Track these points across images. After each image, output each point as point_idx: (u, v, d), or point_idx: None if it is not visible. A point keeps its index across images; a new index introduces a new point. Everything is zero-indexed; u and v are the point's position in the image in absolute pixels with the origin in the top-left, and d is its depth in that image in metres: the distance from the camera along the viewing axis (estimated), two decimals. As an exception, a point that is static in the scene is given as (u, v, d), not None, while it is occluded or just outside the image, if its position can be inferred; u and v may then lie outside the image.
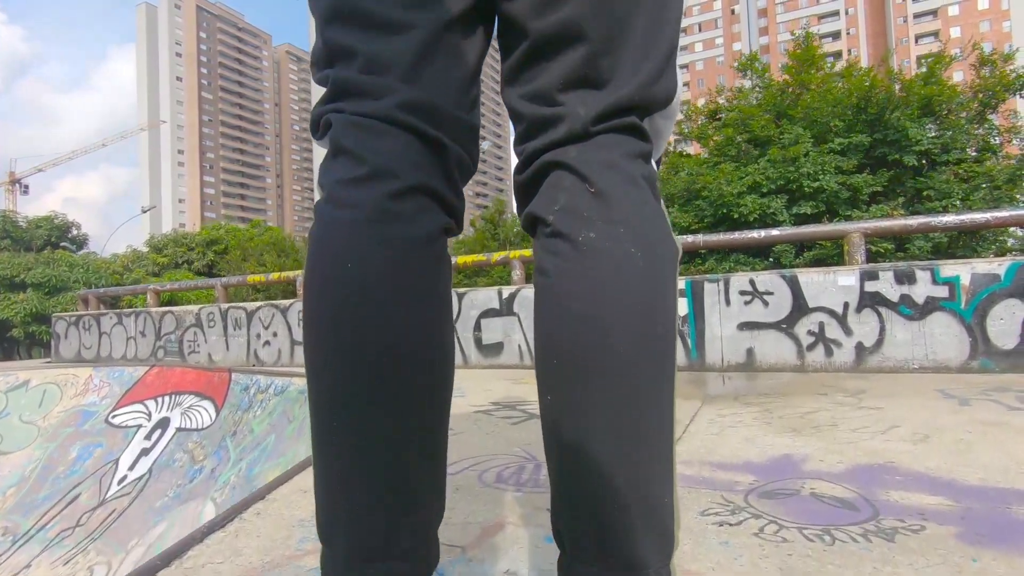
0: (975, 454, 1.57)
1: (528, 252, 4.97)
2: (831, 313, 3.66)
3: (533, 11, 0.58)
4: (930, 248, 4.00)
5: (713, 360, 3.95)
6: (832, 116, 4.35)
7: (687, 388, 3.21)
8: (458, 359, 4.83)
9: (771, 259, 4.43)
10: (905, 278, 3.51)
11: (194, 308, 6.39)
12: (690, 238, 4.35)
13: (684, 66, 74.23)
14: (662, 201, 0.59)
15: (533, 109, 0.60)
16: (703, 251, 4.47)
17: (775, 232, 4.10)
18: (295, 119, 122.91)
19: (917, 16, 63.25)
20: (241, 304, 6.07)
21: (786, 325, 3.77)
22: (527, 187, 0.62)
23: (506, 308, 4.67)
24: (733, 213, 4.28)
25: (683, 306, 4.05)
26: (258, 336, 5.92)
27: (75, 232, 20.46)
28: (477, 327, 4.77)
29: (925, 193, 4.07)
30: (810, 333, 3.71)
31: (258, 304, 5.95)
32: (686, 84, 74.14)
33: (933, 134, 4.10)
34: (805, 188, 4.12)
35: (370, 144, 0.58)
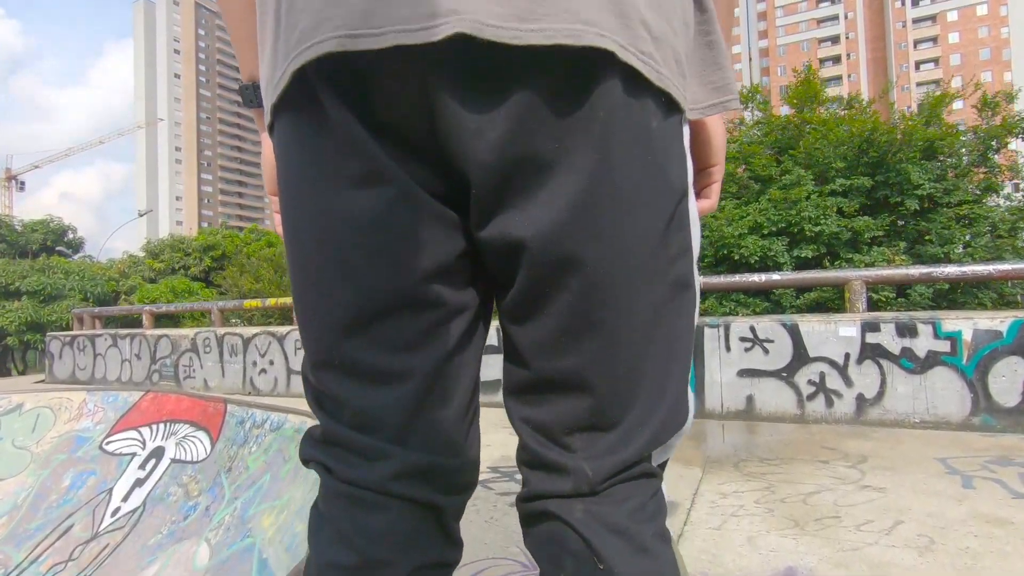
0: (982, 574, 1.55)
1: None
2: (832, 363, 3.64)
3: (535, 352, 0.53)
4: (931, 295, 3.99)
5: (713, 406, 3.93)
6: (834, 157, 4.33)
7: (687, 444, 3.18)
8: (456, 395, 4.79)
9: (771, 299, 4.41)
10: (907, 331, 3.49)
11: (190, 332, 6.35)
12: (690, 279, 4.33)
13: (683, 69, 74.32)
14: (672, 541, 0.55)
15: (535, 443, 0.55)
16: (704, 292, 4.44)
17: (776, 277, 4.08)
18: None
19: (916, 21, 63.41)
20: (237, 331, 6.03)
21: (786, 374, 3.75)
22: (528, 520, 0.57)
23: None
24: (734, 254, 4.25)
25: (683, 350, 4.03)
26: (254, 364, 5.88)
27: (71, 236, 20.38)
28: (475, 363, 4.74)
29: (927, 238, 4.05)
30: (810, 383, 3.69)
31: (255, 331, 5.91)
32: (685, 87, 74.03)
33: (935, 178, 4.09)
34: (807, 232, 4.11)
35: (360, 523, 0.53)
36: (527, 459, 0.56)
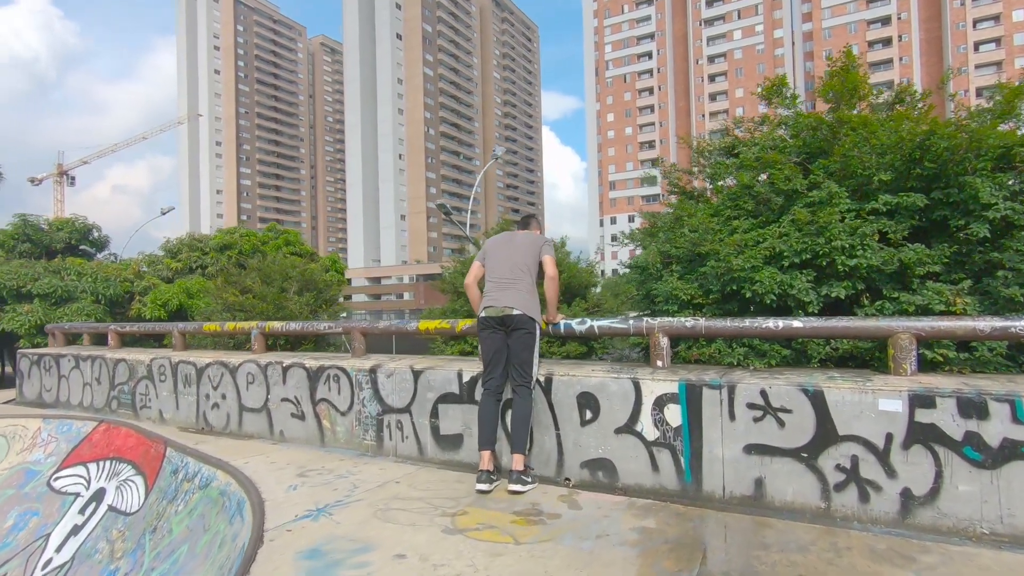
0: None
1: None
2: (868, 445, 2.77)
3: (511, 357, 3.64)
4: (1006, 350, 3.04)
5: (712, 488, 3.10)
6: (877, 167, 3.40)
7: (676, 562, 2.38)
8: (413, 450, 4.09)
9: (794, 346, 3.52)
10: (973, 409, 2.59)
11: (146, 358, 5.81)
12: (689, 322, 3.47)
13: (722, 55, 71.45)
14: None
15: (515, 375, 3.67)
16: (707, 335, 3.58)
17: (797, 324, 3.20)
18: (328, 111, 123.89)
19: (976, -2, 59.02)
20: (192, 358, 5.46)
21: (807, 454, 2.89)
22: (513, 393, 3.62)
23: (467, 394, 3.90)
24: (745, 290, 3.38)
25: (676, 415, 3.21)
26: (207, 396, 5.30)
27: (95, 235, 20.56)
28: (434, 413, 4.02)
29: (1000, 274, 3.10)
30: (839, 468, 2.83)
31: (207, 360, 5.32)
32: (723, 74, 71.24)
33: (1011, 194, 3.13)
34: (839, 266, 3.20)
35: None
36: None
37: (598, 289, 10.71)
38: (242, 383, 5.04)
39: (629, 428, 3.34)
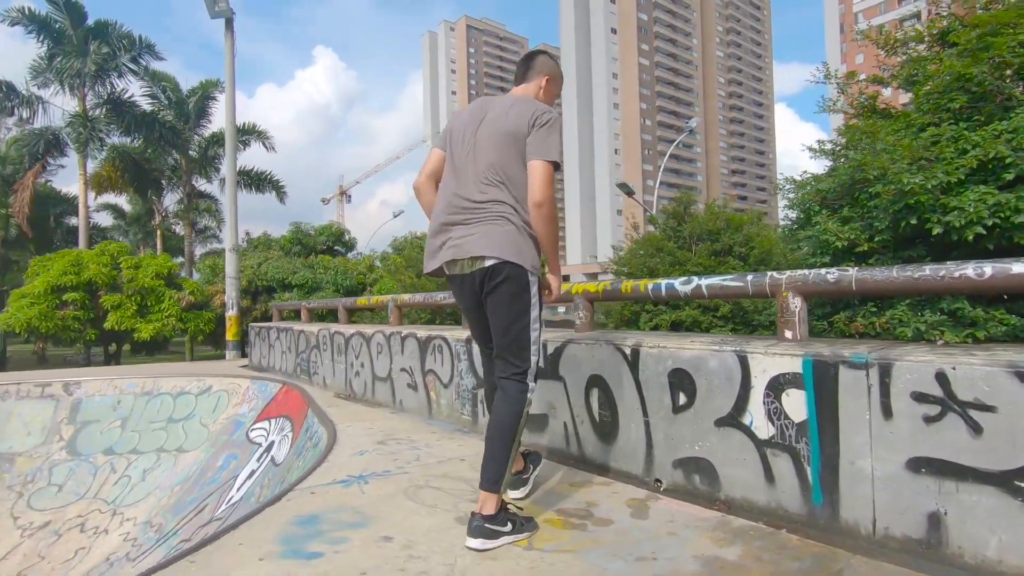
0: None
1: (598, 286, 3.49)
2: None
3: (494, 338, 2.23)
4: None
5: (854, 518, 2.05)
6: None
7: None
8: (500, 428, 3.66)
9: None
10: None
11: (315, 329, 6.44)
12: (832, 275, 2.37)
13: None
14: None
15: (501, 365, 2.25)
16: (874, 295, 2.44)
17: (1018, 269, 1.91)
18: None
19: None
20: (342, 329, 5.86)
21: (1026, 483, 1.69)
22: (500, 384, 2.23)
23: (551, 368, 3.32)
24: (932, 224, 2.15)
25: (799, 405, 2.21)
26: (351, 365, 5.62)
27: (347, 237, 24.40)
28: (521, 389, 3.53)
29: None
30: (1095, 516, 1.58)
31: (352, 331, 5.64)
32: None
33: None
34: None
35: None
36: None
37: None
38: (374, 353, 5.21)
39: (733, 420, 2.42)
